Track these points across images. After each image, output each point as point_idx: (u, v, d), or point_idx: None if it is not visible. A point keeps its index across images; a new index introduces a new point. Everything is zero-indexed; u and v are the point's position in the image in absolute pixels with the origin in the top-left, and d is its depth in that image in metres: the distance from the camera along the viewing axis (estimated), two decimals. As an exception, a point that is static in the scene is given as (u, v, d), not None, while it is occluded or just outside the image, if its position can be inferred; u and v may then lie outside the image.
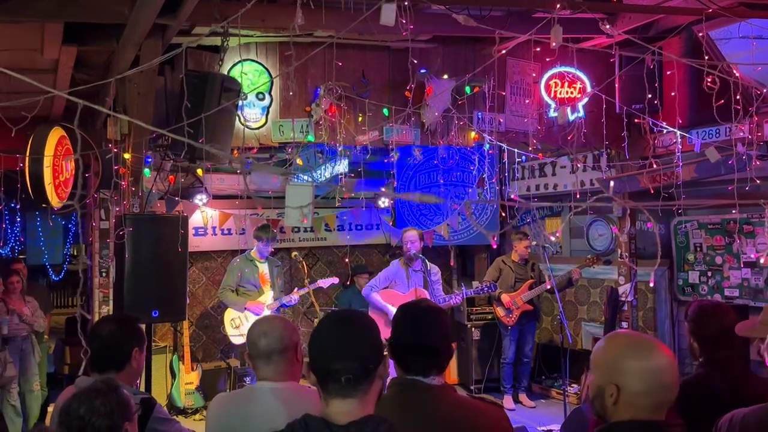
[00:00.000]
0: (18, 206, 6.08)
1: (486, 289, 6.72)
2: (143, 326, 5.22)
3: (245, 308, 6.28)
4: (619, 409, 1.72)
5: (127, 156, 5.02)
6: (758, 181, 4.71)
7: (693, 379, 2.92)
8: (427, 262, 6.36)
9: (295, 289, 6.64)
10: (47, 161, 4.85)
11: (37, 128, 4.82)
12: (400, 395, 2.04)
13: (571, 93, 6.29)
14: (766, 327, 2.53)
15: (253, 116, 5.60)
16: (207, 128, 4.21)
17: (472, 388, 7.36)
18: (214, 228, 7.35)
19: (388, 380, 2.13)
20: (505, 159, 7.16)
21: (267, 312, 6.23)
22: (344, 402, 1.59)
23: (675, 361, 1.76)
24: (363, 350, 1.62)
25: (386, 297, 6.33)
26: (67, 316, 8.99)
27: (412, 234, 6.42)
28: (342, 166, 6.28)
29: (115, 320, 2.88)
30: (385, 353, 1.69)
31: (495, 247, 8.02)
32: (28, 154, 4.90)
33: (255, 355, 2.32)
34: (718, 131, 5.84)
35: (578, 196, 6.19)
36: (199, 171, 6.67)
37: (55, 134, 4.96)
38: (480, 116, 6.13)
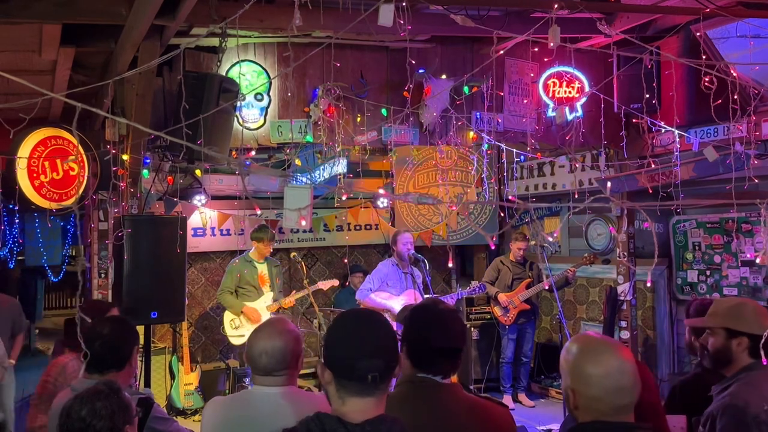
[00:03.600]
0: (16, 207, 6.07)
1: (477, 290, 6.71)
2: (142, 327, 5.25)
3: (241, 312, 6.26)
4: (581, 412, 1.75)
5: (125, 157, 5.03)
6: (756, 180, 4.71)
7: (692, 378, 2.94)
8: (419, 265, 6.27)
9: (293, 292, 6.57)
10: (21, 163, 4.85)
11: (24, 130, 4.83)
12: (413, 393, 2.06)
13: (570, 92, 6.30)
14: (712, 318, 2.55)
15: (251, 117, 5.60)
16: (205, 129, 4.20)
17: (471, 387, 7.35)
18: (212, 229, 7.34)
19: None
20: (504, 159, 7.17)
21: (267, 315, 6.22)
22: (362, 400, 1.59)
23: (632, 363, 1.74)
24: (387, 349, 1.63)
25: (380, 297, 6.25)
26: (66, 317, 8.99)
27: (408, 236, 6.34)
28: (340, 167, 6.28)
29: (114, 320, 2.89)
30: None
31: (493, 247, 8.02)
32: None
33: (253, 368, 2.28)
34: (716, 130, 5.85)
35: (576, 196, 6.20)
36: (198, 172, 6.67)
37: (38, 135, 4.96)
38: (478, 116, 6.13)
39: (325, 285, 6.71)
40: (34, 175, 4.99)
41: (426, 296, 5.93)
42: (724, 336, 2.48)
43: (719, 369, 2.53)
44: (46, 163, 4.98)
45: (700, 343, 2.64)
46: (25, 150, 4.91)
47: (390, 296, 6.19)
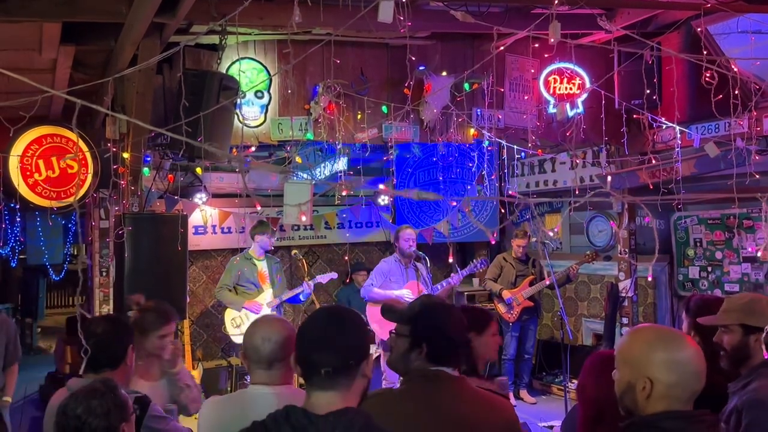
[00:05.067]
0: (18, 206, 6.07)
1: (479, 265, 6.72)
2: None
3: (243, 307, 6.26)
4: (652, 402, 1.73)
5: (126, 155, 5.03)
6: (757, 176, 4.70)
7: None
8: (422, 261, 6.32)
9: (308, 282, 6.45)
10: (14, 161, 4.86)
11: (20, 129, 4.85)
12: (427, 385, 2.09)
13: (570, 89, 6.28)
14: (726, 315, 2.54)
15: (251, 114, 5.60)
16: (205, 127, 4.21)
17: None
18: (213, 227, 7.34)
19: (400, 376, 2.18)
20: (505, 155, 7.16)
21: (267, 310, 6.22)
22: (325, 394, 1.64)
23: (701, 351, 1.79)
24: (344, 345, 1.66)
25: (385, 290, 6.29)
26: (68, 315, 9.00)
27: (410, 232, 6.37)
28: (341, 164, 6.27)
29: (107, 319, 2.88)
30: (376, 355, 1.73)
31: (494, 243, 8.01)
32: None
33: (255, 360, 2.27)
34: (717, 126, 5.83)
35: (577, 192, 6.19)
36: (198, 170, 6.66)
37: (32, 134, 4.97)
38: (479, 113, 6.13)
39: (324, 278, 6.71)
40: (27, 173, 5.00)
41: (423, 294, 5.94)
42: (741, 333, 2.47)
43: (737, 367, 2.49)
44: (40, 162, 4.97)
45: (714, 342, 2.62)
46: (18, 148, 4.92)
47: (392, 292, 6.23)
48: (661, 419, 1.70)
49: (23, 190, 4.97)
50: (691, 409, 1.74)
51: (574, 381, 6.78)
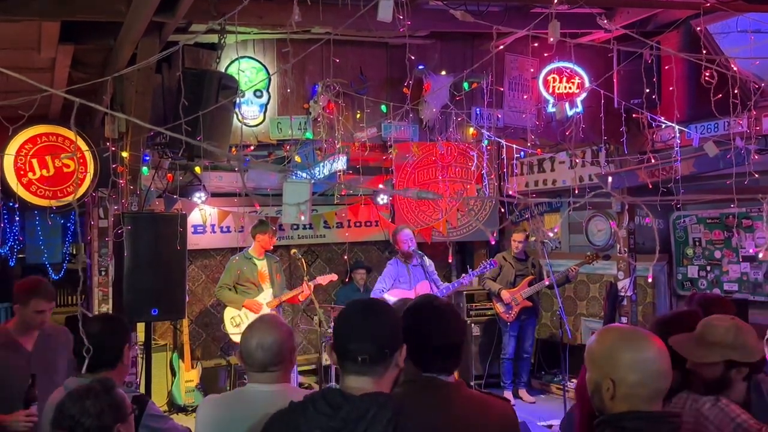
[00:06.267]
0: (17, 205, 6.05)
1: (488, 266, 6.74)
2: (142, 324, 5.26)
3: (243, 306, 6.26)
4: (617, 402, 1.74)
5: (125, 154, 5.03)
6: (757, 176, 4.70)
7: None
8: (424, 257, 6.38)
9: (308, 283, 6.46)
10: (8, 161, 4.86)
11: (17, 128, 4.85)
12: (418, 393, 2.02)
13: (570, 88, 6.28)
14: (710, 351, 2.33)
15: (251, 113, 5.60)
16: (205, 126, 4.20)
17: (472, 384, 7.36)
18: (213, 226, 7.34)
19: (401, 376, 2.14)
20: (504, 155, 7.16)
21: (267, 309, 6.22)
22: (359, 378, 1.74)
23: (665, 350, 1.78)
24: (380, 334, 1.76)
25: (393, 295, 6.30)
26: (67, 315, 8.99)
27: (408, 232, 6.41)
28: (340, 163, 6.27)
29: (103, 319, 2.87)
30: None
31: (493, 243, 8.02)
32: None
33: (249, 364, 2.27)
34: (716, 125, 5.84)
35: (577, 192, 6.19)
36: (197, 169, 6.66)
37: (26, 133, 4.97)
38: (478, 112, 6.13)
39: (324, 280, 6.71)
40: (21, 172, 4.99)
41: (421, 294, 5.95)
42: (723, 367, 2.32)
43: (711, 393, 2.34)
44: (34, 161, 4.97)
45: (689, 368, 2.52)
46: (12, 147, 4.92)
47: (403, 293, 6.24)
48: (624, 418, 1.72)
49: (18, 189, 4.97)
50: (658, 410, 1.74)
51: (573, 380, 6.78)
